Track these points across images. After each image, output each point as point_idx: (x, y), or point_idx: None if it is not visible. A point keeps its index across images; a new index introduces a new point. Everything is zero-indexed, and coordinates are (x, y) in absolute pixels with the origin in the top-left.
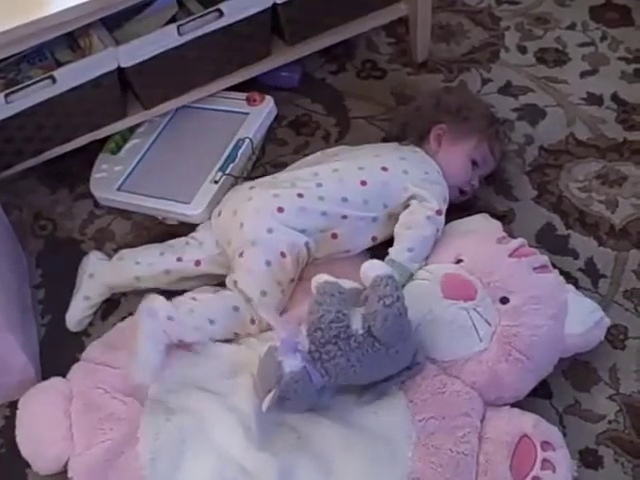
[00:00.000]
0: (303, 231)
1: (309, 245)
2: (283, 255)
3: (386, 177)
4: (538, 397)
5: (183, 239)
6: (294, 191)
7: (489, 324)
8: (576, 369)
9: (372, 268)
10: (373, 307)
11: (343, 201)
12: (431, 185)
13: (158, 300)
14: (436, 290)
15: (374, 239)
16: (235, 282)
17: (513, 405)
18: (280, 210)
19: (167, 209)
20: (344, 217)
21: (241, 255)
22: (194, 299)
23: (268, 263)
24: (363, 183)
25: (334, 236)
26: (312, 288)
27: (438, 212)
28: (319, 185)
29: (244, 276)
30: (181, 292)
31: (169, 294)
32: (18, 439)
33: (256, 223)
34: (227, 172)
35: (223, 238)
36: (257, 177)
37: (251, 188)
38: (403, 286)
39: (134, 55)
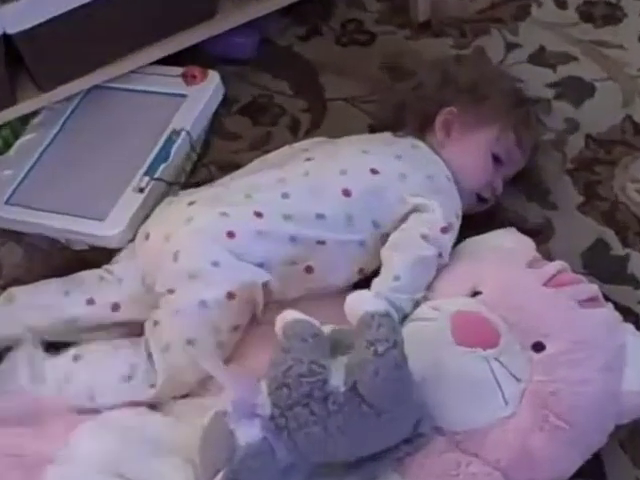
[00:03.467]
0: (262, 264)
1: (271, 285)
2: (230, 296)
3: (377, 183)
4: (587, 479)
5: (96, 272)
6: (250, 207)
7: (517, 380)
8: (638, 440)
9: (361, 301)
10: (360, 355)
11: (319, 219)
12: (437, 194)
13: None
14: (445, 334)
15: (361, 271)
16: (156, 322)
17: None
18: (230, 235)
19: (73, 229)
20: (321, 242)
21: (172, 291)
22: (78, 358)
23: (203, 304)
24: (346, 193)
25: (308, 270)
26: (277, 329)
27: (443, 229)
28: (285, 196)
29: (168, 317)
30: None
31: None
32: None
33: (197, 253)
34: (156, 176)
35: (151, 271)
36: (199, 184)
37: (190, 204)
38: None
39: (24, 18)
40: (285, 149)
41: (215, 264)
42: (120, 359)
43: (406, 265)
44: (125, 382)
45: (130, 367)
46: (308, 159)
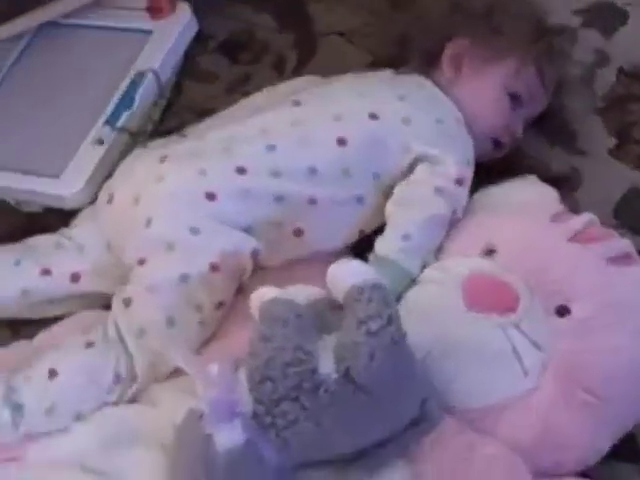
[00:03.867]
0: (248, 228)
1: (257, 252)
2: (214, 268)
3: (377, 129)
4: (619, 460)
5: (52, 238)
6: (231, 163)
7: (539, 349)
8: None
9: (346, 273)
10: (351, 336)
11: (310, 174)
12: (446, 139)
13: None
14: (454, 299)
15: (361, 232)
16: (128, 300)
17: (581, 474)
18: (211, 197)
19: (23, 187)
20: (312, 201)
21: (142, 263)
22: (53, 374)
23: (184, 278)
24: (341, 142)
25: (297, 233)
26: (252, 311)
27: (458, 181)
28: (270, 149)
29: (142, 295)
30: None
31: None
32: None
33: (173, 219)
34: (119, 126)
35: (118, 239)
36: (169, 133)
37: (162, 160)
38: (399, 298)
39: None
40: (269, 91)
41: (194, 231)
42: (100, 359)
43: (417, 223)
44: (115, 385)
45: (115, 364)
46: (296, 103)
